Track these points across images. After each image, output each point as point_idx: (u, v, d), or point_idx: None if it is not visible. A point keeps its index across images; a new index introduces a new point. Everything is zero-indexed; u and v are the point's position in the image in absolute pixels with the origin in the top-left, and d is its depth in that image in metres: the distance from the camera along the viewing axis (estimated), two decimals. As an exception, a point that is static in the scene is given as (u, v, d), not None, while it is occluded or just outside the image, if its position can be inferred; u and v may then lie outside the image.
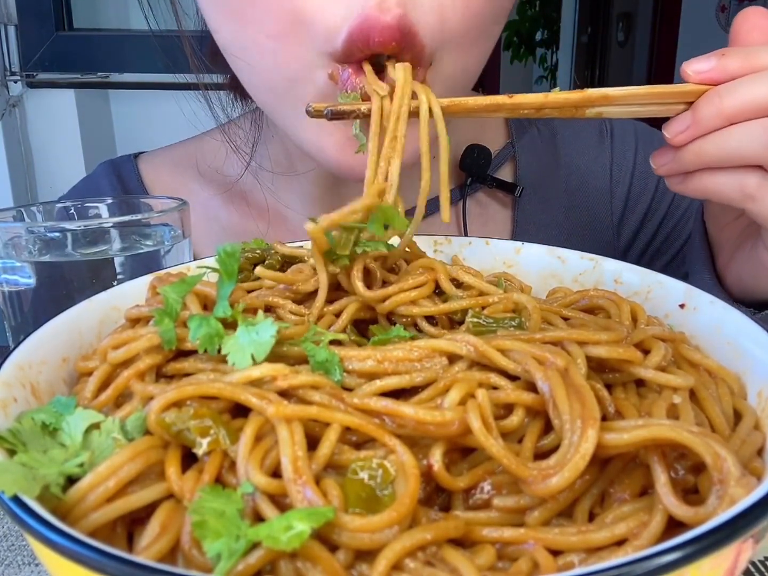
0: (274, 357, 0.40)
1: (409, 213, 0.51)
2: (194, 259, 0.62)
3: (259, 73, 0.68)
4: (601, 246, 0.94)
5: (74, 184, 1.02)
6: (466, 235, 0.90)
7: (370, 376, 0.39)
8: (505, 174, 0.95)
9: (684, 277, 0.90)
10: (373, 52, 0.60)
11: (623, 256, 0.95)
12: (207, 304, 0.45)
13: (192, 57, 0.82)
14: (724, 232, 0.67)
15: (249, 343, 0.39)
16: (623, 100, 0.53)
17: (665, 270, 0.93)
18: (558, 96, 0.52)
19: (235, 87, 0.85)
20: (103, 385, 0.42)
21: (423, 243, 0.59)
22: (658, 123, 0.59)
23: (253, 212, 0.94)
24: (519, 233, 0.92)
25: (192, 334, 0.41)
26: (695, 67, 0.52)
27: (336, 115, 0.53)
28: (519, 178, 0.94)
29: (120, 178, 0.97)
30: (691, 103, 0.53)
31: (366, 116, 0.54)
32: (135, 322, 0.47)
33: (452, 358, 0.40)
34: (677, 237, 0.93)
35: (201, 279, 0.45)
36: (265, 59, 0.66)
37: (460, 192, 0.92)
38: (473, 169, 0.91)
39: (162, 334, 0.41)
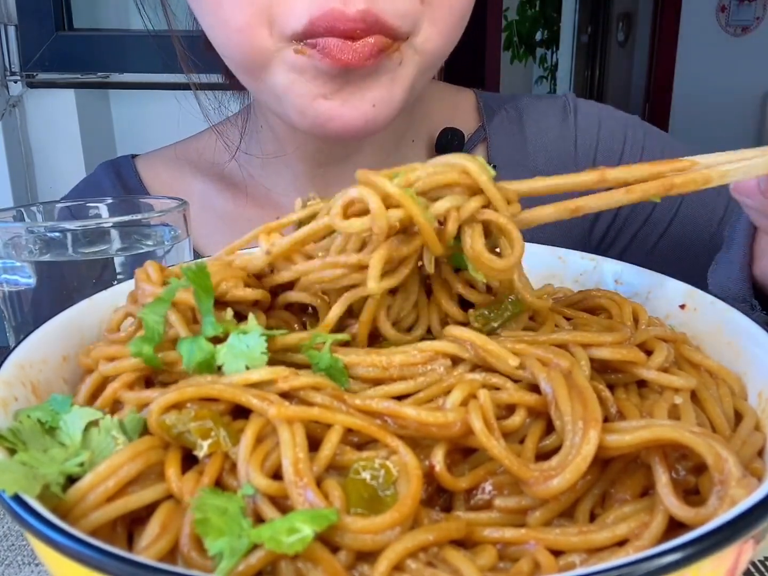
0: (274, 363, 0.39)
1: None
2: (194, 255, 0.62)
3: (234, 57, 0.75)
4: (570, 220, 0.95)
5: (74, 185, 1.04)
6: None
7: (376, 382, 0.39)
8: (479, 155, 0.98)
9: (650, 252, 0.94)
10: (336, 36, 0.65)
11: (590, 231, 0.97)
12: (195, 315, 0.42)
13: (183, 57, 0.88)
14: None
15: (242, 353, 0.39)
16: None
17: (630, 245, 0.96)
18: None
19: (231, 86, 0.90)
20: (96, 393, 0.42)
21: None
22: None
23: (246, 200, 0.97)
24: None
25: (186, 361, 0.39)
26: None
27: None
28: (491, 157, 0.98)
29: (120, 177, 1.00)
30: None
31: None
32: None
33: (455, 360, 0.40)
34: (640, 213, 0.95)
35: (175, 291, 0.42)
36: (237, 47, 0.73)
37: None
38: (448, 151, 0.94)
39: (147, 363, 0.39)
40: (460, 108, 1.01)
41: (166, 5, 0.86)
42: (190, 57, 0.87)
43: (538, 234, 0.91)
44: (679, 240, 0.94)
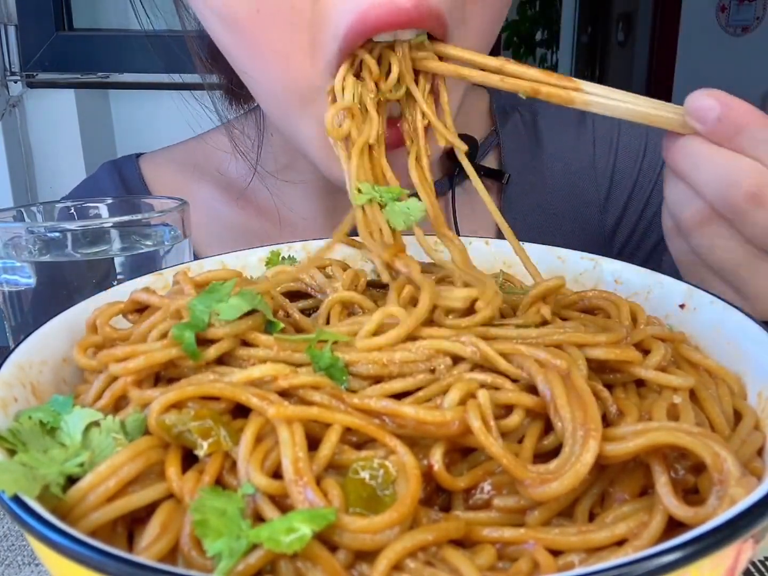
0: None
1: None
2: (195, 259, 0.62)
3: (266, 87, 0.67)
4: (589, 225, 0.95)
5: (76, 185, 1.03)
6: (455, 223, 0.91)
7: (375, 380, 0.39)
8: (491, 161, 0.96)
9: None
10: (379, 31, 0.55)
11: (612, 234, 0.95)
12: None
13: (197, 57, 0.83)
14: None
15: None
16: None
17: (655, 251, 0.93)
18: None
19: (231, 91, 0.86)
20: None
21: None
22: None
23: (255, 211, 0.94)
24: (505, 219, 0.93)
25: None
26: (698, 114, 0.49)
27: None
28: (504, 164, 0.95)
29: (122, 178, 0.98)
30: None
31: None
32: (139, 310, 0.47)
33: (456, 359, 0.40)
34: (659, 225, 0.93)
35: (230, 288, 0.43)
36: (271, 75, 0.64)
37: (450, 182, 0.93)
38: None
39: (185, 348, 0.40)
40: (471, 110, 0.98)
41: (179, 7, 0.82)
42: (205, 58, 0.83)
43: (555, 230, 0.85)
44: None
